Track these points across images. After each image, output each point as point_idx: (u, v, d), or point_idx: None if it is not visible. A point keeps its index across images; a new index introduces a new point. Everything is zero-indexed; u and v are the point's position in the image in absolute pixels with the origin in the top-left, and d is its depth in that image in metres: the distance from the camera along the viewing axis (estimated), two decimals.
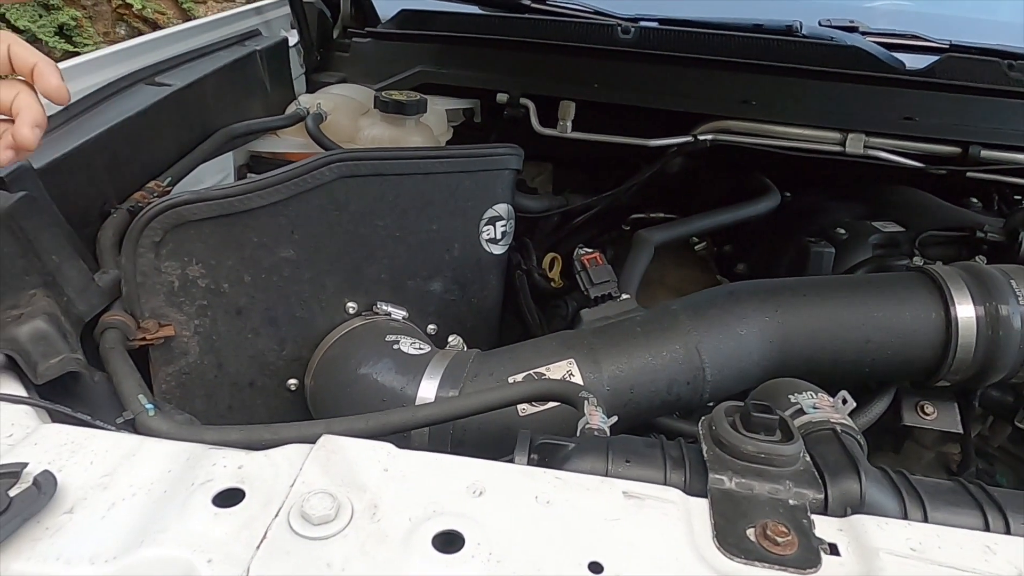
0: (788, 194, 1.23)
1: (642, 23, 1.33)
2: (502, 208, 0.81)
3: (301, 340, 0.73)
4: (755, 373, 0.72)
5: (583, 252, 0.76)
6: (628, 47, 1.25)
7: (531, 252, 1.04)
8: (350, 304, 0.74)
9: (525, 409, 0.64)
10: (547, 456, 0.46)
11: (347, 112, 1.08)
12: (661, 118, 1.20)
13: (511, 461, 0.50)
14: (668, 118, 1.20)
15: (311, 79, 1.24)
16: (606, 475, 0.44)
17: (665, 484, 0.44)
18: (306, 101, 1.06)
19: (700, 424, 0.46)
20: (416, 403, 0.64)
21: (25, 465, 0.39)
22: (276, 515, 0.36)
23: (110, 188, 0.73)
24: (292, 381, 0.74)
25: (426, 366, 0.66)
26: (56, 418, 0.47)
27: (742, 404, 0.45)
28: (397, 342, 0.69)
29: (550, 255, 1.18)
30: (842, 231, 1.04)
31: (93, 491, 0.39)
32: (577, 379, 0.66)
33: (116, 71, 0.83)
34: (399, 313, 0.75)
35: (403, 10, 1.35)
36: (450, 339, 0.71)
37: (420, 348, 0.69)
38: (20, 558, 0.34)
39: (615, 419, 0.50)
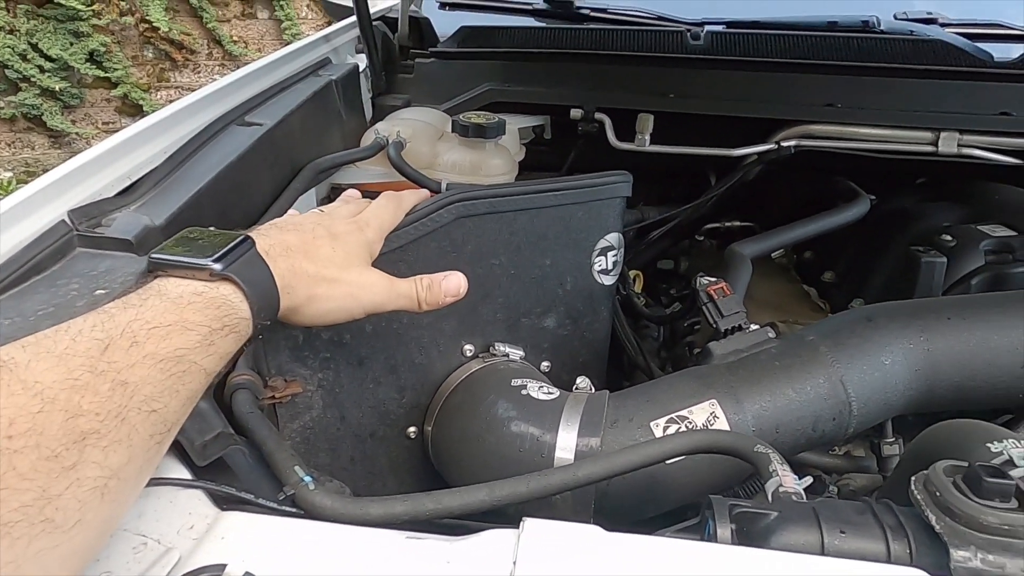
0: (873, 197, 1.18)
1: (708, 28, 1.29)
2: (613, 238, 0.78)
3: (420, 386, 0.70)
4: (899, 404, 0.68)
5: (707, 282, 0.73)
6: (700, 54, 1.21)
7: (628, 276, 1.01)
8: (467, 346, 0.72)
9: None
10: (744, 526, 0.43)
11: (424, 138, 1.05)
12: (739, 125, 1.16)
13: (697, 530, 0.47)
14: (746, 125, 1.15)
15: (376, 103, 1.22)
16: (822, 550, 0.41)
17: (889, 560, 0.40)
18: (384, 129, 1.03)
19: (913, 484, 0.42)
20: (556, 452, 0.61)
21: (223, 567, 0.37)
22: None
23: None
24: (411, 429, 0.71)
25: (561, 412, 0.63)
26: (216, 498, 0.45)
27: (964, 464, 0.41)
28: (525, 387, 0.66)
29: (632, 272, 1.15)
30: (949, 238, 0.98)
31: None
32: (722, 421, 0.62)
33: (209, 114, 0.81)
34: (517, 353, 0.73)
35: (463, 27, 1.32)
36: (579, 381, 0.68)
37: (549, 393, 0.66)
38: None
39: (809, 480, 0.46)
